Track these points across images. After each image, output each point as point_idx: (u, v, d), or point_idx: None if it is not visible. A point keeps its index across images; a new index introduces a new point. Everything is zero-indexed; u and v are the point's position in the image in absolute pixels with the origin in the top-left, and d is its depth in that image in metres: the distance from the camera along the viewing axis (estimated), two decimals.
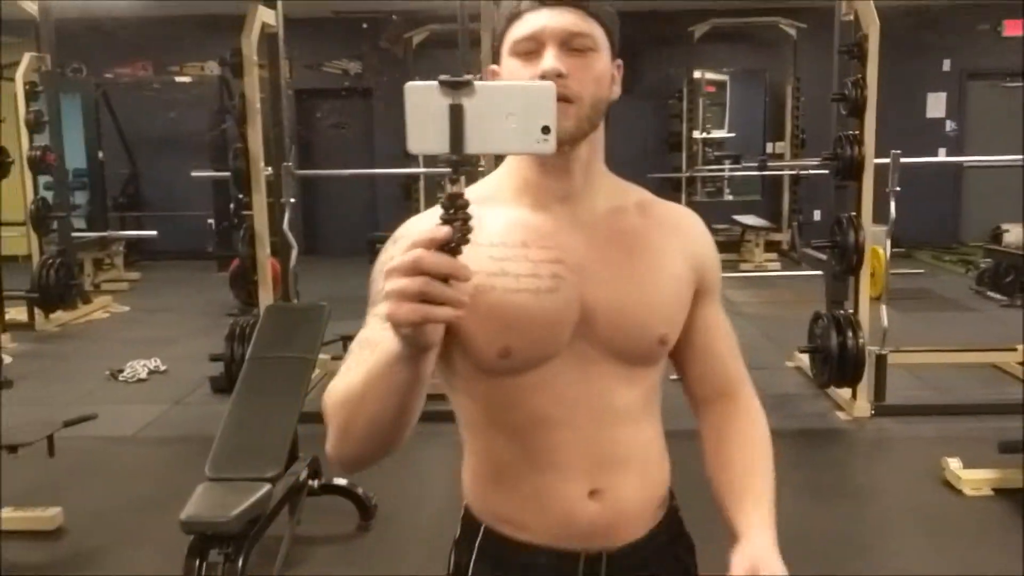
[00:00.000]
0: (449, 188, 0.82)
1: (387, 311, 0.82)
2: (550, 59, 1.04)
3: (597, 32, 1.08)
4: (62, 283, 6.74)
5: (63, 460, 3.64)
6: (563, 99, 1.01)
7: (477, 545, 1.18)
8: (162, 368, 5.77)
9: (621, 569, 1.15)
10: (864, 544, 3.33)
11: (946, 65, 10.34)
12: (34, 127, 6.62)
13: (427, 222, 1.13)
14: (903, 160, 4.76)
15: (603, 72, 1.08)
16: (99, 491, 3.93)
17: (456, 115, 0.80)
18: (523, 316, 1.07)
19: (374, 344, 0.96)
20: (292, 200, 4.75)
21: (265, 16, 4.77)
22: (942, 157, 10.01)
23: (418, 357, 0.90)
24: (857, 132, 4.65)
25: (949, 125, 10.45)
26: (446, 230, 0.81)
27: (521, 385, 1.11)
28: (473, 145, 0.82)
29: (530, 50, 1.07)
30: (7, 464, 3.43)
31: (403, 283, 0.81)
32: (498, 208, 1.14)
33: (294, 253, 4.78)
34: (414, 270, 0.80)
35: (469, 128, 0.81)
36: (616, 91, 1.12)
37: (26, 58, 6.64)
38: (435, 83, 0.81)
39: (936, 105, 10.42)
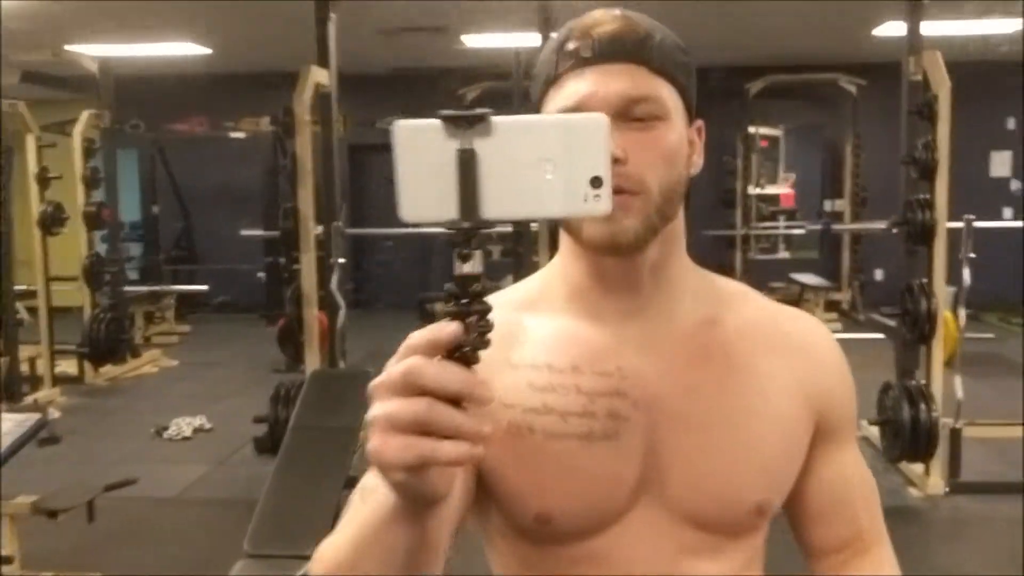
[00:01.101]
0: (459, 267, 0.60)
1: (370, 446, 0.58)
2: None
3: (665, 92, 0.82)
4: (113, 337, 6.74)
5: (105, 522, 3.59)
6: (622, 191, 0.78)
7: None
8: (207, 426, 5.70)
9: None
10: None
11: (1011, 123, 10.07)
12: (91, 184, 6.68)
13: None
14: (980, 224, 4.55)
15: (676, 146, 0.83)
16: (139, 556, 3.84)
17: (467, 164, 0.58)
18: (569, 471, 0.83)
19: (372, 493, 0.70)
20: (342, 260, 4.66)
21: (318, 76, 4.74)
22: (1008, 217, 9.70)
23: (421, 514, 0.64)
24: (928, 196, 4.45)
25: (1014, 184, 10.15)
26: (455, 328, 0.58)
27: (569, 558, 0.86)
28: (491, 207, 0.59)
29: None
30: (48, 526, 3.36)
31: (392, 406, 0.57)
32: (545, 316, 0.89)
33: (342, 313, 4.69)
34: (409, 387, 0.56)
35: (486, 183, 0.59)
36: (698, 163, 0.88)
37: (84, 115, 6.73)
38: (436, 121, 0.59)
39: (1001, 164, 10.14)
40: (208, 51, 8.18)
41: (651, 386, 0.85)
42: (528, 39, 5.85)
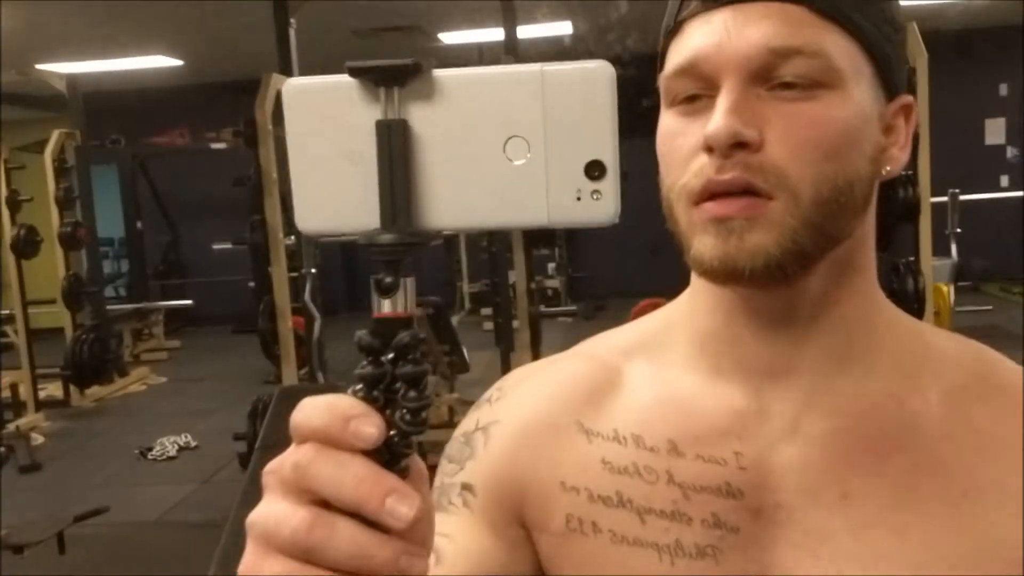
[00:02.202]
0: (379, 305, 0.40)
1: (241, 566, 0.39)
2: (721, 114, 0.55)
3: (836, 45, 0.56)
4: (97, 358, 6.64)
5: (80, 551, 3.52)
6: (752, 191, 0.55)
7: None
8: (193, 444, 5.61)
9: None
10: None
11: (1003, 89, 9.91)
12: (64, 204, 6.58)
13: (534, 384, 0.69)
14: (965, 197, 4.43)
15: (850, 126, 0.56)
16: None
17: (394, 145, 0.39)
18: None
19: None
20: (314, 271, 4.55)
21: (281, 83, 4.63)
22: (1005, 186, 9.56)
23: None
24: (911, 172, 4.32)
25: (1010, 151, 9.99)
26: (361, 415, 0.38)
27: None
28: (432, 211, 0.40)
29: (693, 93, 0.58)
30: (17, 561, 3.28)
31: (275, 512, 0.38)
32: (655, 368, 0.66)
33: (317, 324, 4.57)
34: (295, 488, 0.38)
35: (424, 173, 0.39)
36: (899, 157, 0.60)
37: (55, 135, 6.63)
38: (345, 77, 0.40)
39: (995, 131, 9.98)
40: (179, 63, 8.07)
41: (783, 484, 0.60)
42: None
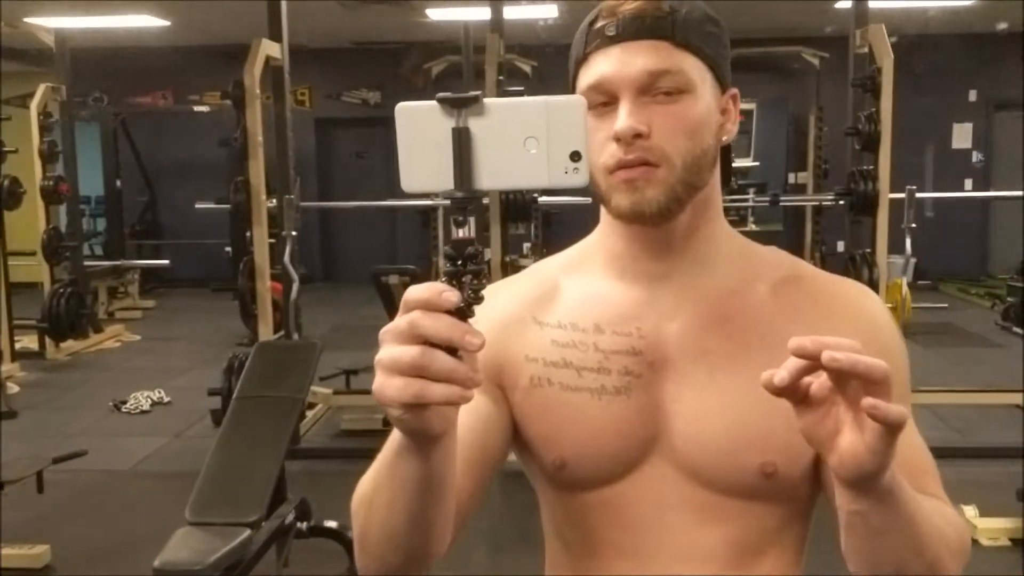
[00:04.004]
0: (455, 232, 0.66)
1: (375, 386, 0.64)
2: (623, 116, 0.84)
3: (689, 65, 0.86)
4: (73, 313, 6.74)
5: (56, 495, 3.62)
6: (645, 163, 0.84)
7: None
8: (166, 399, 5.72)
9: None
10: None
11: (972, 95, 10.16)
12: (48, 158, 6.64)
13: (504, 293, 0.99)
14: (922, 195, 4.63)
15: (701, 116, 0.86)
16: (89, 528, 3.87)
17: (462, 141, 0.65)
18: (580, 422, 0.89)
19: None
20: (294, 233, 4.69)
21: (270, 49, 4.74)
22: (968, 189, 9.82)
23: (424, 449, 0.70)
24: (872, 167, 4.53)
25: (976, 156, 10.26)
26: (447, 291, 0.64)
27: (585, 503, 0.92)
28: (484, 179, 0.66)
29: (603, 102, 0.86)
30: None
31: (395, 351, 0.63)
32: (581, 279, 0.96)
33: (295, 286, 4.72)
34: (409, 336, 0.63)
35: (478, 157, 0.66)
36: (731, 130, 0.91)
37: (41, 88, 6.68)
38: (434, 103, 0.66)
39: (962, 136, 10.24)
40: (166, 23, 8.11)
41: (667, 347, 0.89)
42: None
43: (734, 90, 0.91)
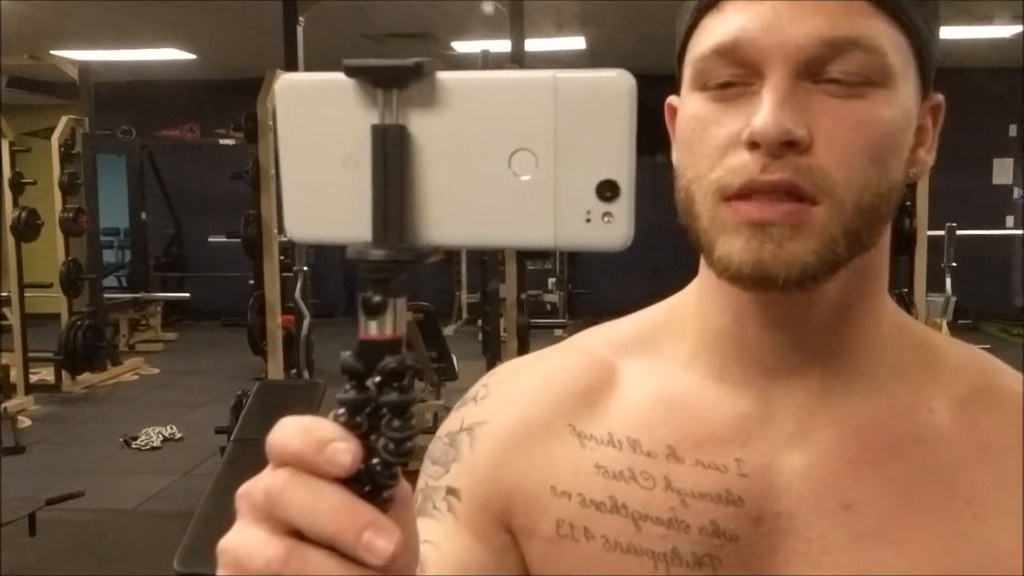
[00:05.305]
0: (365, 327, 0.37)
1: None
2: (771, 109, 0.51)
3: (892, 41, 0.52)
4: (90, 345, 6.66)
5: (55, 537, 3.51)
6: (797, 194, 0.51)
7: None
8: (177, 435, 5.61)
9: None
10: None
11: (1013, 130, 9.91)
12: (68, 189, 6.61)
13: (525, 380, 0.66)
14: (961, 232, 4.42)
15: (897, 129, 0.54)
16: (84, 571, 3.72)
17: (390, 152, 0.36)
18: None
19: None
20: (306, 268, 4.56)
21: None
22: (1010, 226, 9.54)
23: None
24: (909, 203, 4.33)
25: (1017, 192, 9.98)
26: (339, 442, 0.35)
27: None
28: (430, 226, 0.37)
29: (733, 80, 0.53)
30: None
31: (246, 539, 0.37)
32: (654, 368, 0.63)
33: (306, 322, 4.59)
34: (269, 516, 0.36)
35: (422, 184, 0.36)
36: (926, 160, 0.58)
37: (63, 120, 6.67)
38: (342, 76, 0.36)
39: (1003, 172, 9.97)
40: (192, 57, 8.12)
41: (785, 492, 0.57)
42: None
43: (939, 97, 0.58)
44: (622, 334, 0.66)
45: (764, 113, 0.51)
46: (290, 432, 0.36)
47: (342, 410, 0.36)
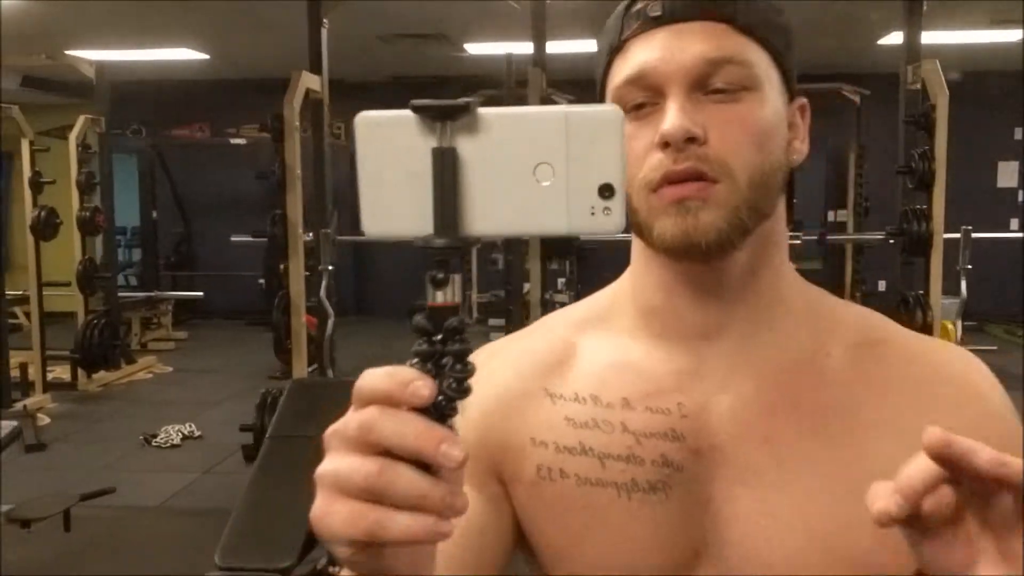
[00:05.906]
0: (432, 296, 0.48)
1: (314, 511, 0.46)
2: (673, 116, 0.65)
3: (756, 56, 0.68)
4: (106, 344, 6.70)
5: (82, 532, 3.55)
6: (701, 176, 0.66)
7: None
8: (196, 433, 5.64)
9: None
10: None
11: (1017, 133, 9.98)
12: (85, 188, 6.65)
13: (504, 356, 0.79)
14: (978, 236, 4.48)
15: (770, 122, 0.68)
16: (114, 566, 3.77)
17: (445, 167, 0.47)
18: (603, 529, 0.69)
19: None
20: (331, 267, 4.61)
21: (309, 81, 4.70)
22: (1015, 228, 9.61)
23: None
24: (925, 207, 4.39)
25: (1021, 195, 10.05)
26: (418, 380, 0.46)
27: None
28: (476, 222, 0.48)
29: (643, 101, 0.68)
30: (22, 537, 3.32)
31: (343, 464, 0.45)
32: (605, 338, 0.76)
33: (330, 322, 4.63)
34: (362, 443, 0.45)
35: (468, 190, 0.48)
36: (801, 149, 0.73)
37: (80, 120, 6.71)
38: (407, 112, 0.48)
39: (1007, 174, 10.04)
40: (206, 57, 8.15)
41: (718, 429, 0.69)
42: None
43: (803, 100, 0.73)
44: (578, 314, 0.80)
45: (669, 119, 0.65)
46: (379, 376, 0.46)
47: (415, 360, 0.48)
